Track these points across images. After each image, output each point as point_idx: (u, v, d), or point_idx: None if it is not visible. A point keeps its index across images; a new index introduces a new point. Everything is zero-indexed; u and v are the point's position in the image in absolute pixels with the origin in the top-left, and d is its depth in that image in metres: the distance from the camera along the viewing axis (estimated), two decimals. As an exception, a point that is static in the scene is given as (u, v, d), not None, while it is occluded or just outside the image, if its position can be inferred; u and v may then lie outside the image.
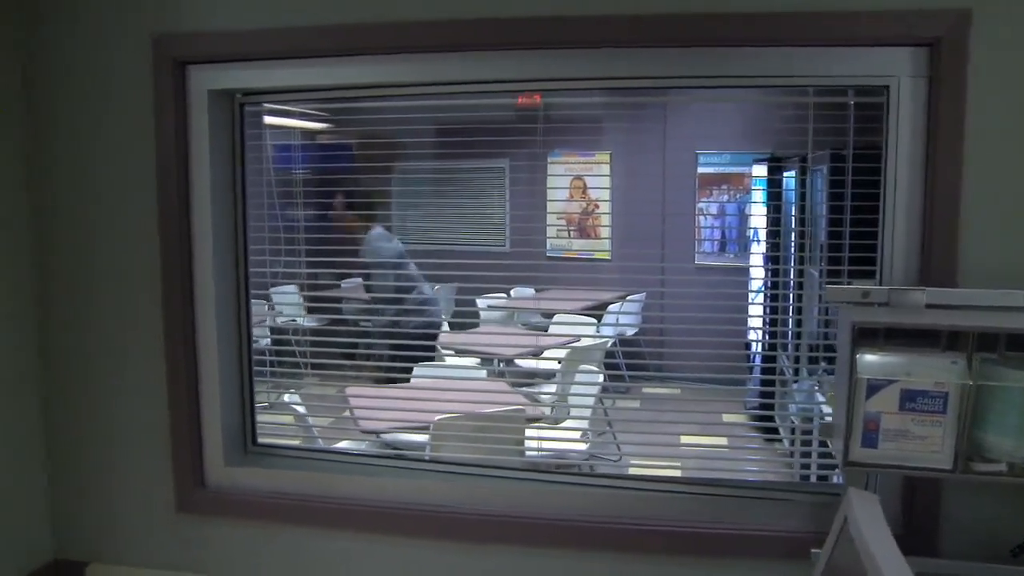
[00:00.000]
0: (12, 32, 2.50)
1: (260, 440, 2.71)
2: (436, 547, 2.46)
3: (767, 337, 5.35)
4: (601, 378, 4.51)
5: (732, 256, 5.86)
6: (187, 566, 2.60)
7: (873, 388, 1.92)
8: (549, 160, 6.26)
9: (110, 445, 2.63)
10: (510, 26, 2.23)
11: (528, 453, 3.87)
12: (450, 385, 4.27)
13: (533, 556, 2.41)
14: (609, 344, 5.69)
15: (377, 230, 4.74)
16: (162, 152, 2.45)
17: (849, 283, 2.39)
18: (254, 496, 2.55)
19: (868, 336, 1.94)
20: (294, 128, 4.99)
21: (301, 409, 4.07)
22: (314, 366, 4.46)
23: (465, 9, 2.24)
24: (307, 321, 6.11)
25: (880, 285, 2.17)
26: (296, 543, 2.53)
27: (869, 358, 1.92)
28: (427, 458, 3.63)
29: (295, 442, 3.74)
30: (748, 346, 5.32)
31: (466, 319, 5.79)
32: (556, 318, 5.67)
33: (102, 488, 2.66)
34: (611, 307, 5.81)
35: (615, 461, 5.00)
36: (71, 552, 2.70)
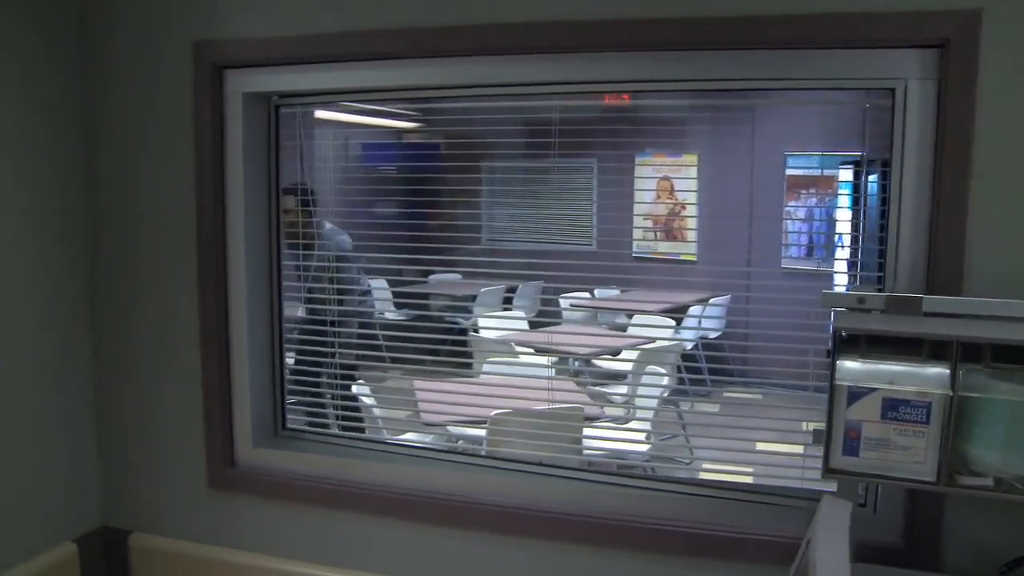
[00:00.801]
0: (69, 41, 2.74)
1: (290, 426, 2.90)
2: (454, 536, 2.58)
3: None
4: (665, 380, 4.50)
5: (819, 261, 5.73)
6: (218, 539, 2.82)
7: (854, 396, 1.91)
8: (637, 161, 6.25)
9: (152, 425, 2.87)
10: (525, 31, 2.31)
11: (585, 452, 3.90)
12: (513, 382, 4.34)
13: (537, 549, 2.50)
14: (690, 347, 5.66)
15: (330, 225, 4.75)
16: (200, 152, 2.65)
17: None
18: (280, 476, 2.74)
19: (854, 343, 1.92)
20: (371, 127, 5.15)
21: (369, 400, 4.23)
22: (397, 359, 4.60)
23: (497, 13, 2.34)
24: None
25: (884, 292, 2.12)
26: (318, 522, 2.71)
27: (849, 365, 1.91)
28: (483, 452, 3.72)
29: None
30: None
31: (545, 318, 5.85)
32: (635, 319, 5.67)
33: (145, 464, 2.91)
34: (692, 309, 5.77)
35: (687, 464, 4.98)
36: (117, 520, 2.95)
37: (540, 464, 2.63)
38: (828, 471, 1.93)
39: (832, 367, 1.92)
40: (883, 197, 4.13)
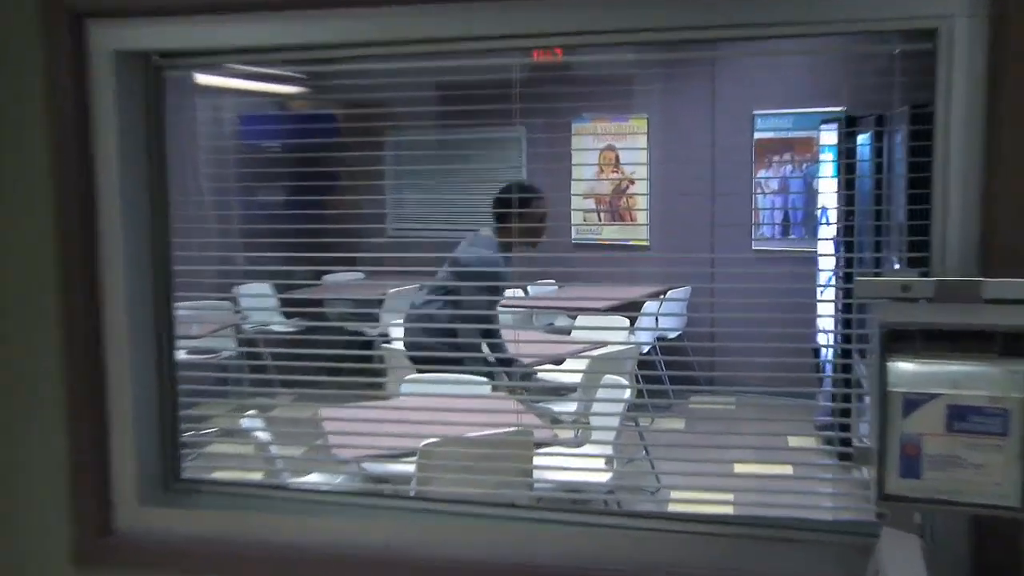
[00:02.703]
0: None
1: (187, 475, 2.81)
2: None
3: (840, 340, 5.30)
4: (627, 393, 4.50)
5: (798, 241, 5.84)
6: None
7: (911, 404, 1.88)
8: (574, 128, 6.26)
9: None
10: None
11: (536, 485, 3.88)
12: (444, 403, 4.29)
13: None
14: (646, 350, 5.68)
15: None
16: (57, 125, 2.54)
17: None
18: (176, 543, 2.64)
19: (905, 340, 1.89)
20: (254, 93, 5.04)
21: (263, 436, 4.12)
22: (287, 382, 4.48)
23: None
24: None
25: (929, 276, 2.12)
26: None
27: (903, 367, 1.89)
28: (412, 493, 3.65)
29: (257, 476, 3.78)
30: (817, 352, 5.27)
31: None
32: (580, 320, 5.66)
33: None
34: (648, 305, 5.81)
35: (652, 493, 5.00)
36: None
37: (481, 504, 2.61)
38: (884, 498, 1.90)
39: (881, 371, 1.89)
40: (878, 162, 4.18)
